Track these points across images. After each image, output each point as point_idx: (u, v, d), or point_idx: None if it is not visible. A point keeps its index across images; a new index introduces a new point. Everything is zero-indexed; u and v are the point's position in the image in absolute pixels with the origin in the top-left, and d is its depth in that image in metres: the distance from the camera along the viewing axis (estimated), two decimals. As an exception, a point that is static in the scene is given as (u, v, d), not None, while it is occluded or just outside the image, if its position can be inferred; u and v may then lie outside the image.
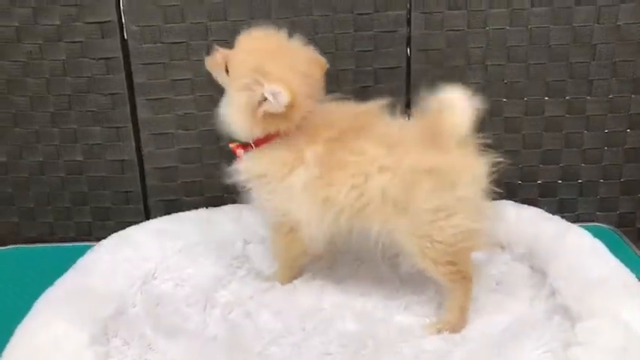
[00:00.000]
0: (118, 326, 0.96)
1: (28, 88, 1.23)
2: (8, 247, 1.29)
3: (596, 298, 0.89)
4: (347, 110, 0.98)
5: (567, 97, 1.23)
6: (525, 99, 1.24)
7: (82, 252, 1.11)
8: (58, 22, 1.19)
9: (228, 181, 1.01)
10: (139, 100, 1.24)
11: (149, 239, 1.13)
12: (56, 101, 1.24)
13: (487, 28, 1.20)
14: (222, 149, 1.27)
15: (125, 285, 1.03)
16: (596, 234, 1.09)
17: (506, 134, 1.26)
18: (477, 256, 1.08)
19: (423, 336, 0.94)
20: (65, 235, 1.33)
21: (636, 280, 0.94)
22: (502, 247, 1.13)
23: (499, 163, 0.97)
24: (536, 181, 1.29)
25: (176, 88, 1.23)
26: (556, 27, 1.19)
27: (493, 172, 0.97)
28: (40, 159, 1.28)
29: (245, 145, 0.98)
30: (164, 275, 1.09)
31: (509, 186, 1.28)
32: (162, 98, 1.24)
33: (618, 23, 1.18)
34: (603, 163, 1.27)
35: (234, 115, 0.96)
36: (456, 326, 0.95)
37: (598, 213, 1.30)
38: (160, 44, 1.21)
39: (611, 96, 1.23)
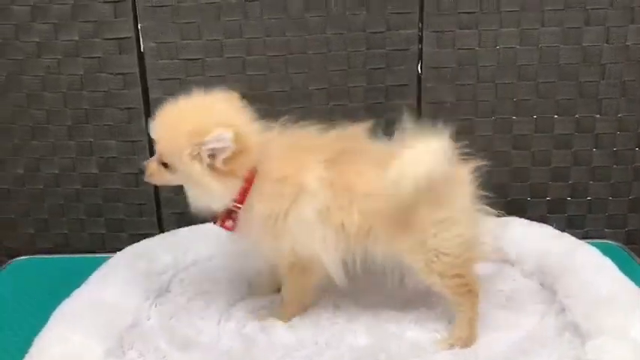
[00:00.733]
0: (133, 339, 0.97)
1: (46, 102, 1.26)
2: (23, 257, 1.31)
3: (605, 315, 0.90)
4: (331, 135, 0.97)
5: (577, 116, 1.25)
6: (535, 117, 1.26)
7: (95, 263, 1.12)
8: (76, 38, 1.22)
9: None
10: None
11: (163, 252, 1.15)
12: (73, 115, 1.27)
13: (498, 47, 1.22)
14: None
15: (140, 298, 1.05)
16: (605, 251, 1.10)
17: (516, 151, 1.28)
18: (486, 271, 1.10)
19: (434, 351, 0.95)
20: (79, 246, 1.35)
21: (645, 297, 0.95)
22: (512, 264, 1.14)
23: (488, 171, 0.99)
24: (545, 198, 1.30)
25: (191, 104, 1.25)
26: (566, 46, 1.21)
27: (488, 182, 1.00)
28: (56, 171, 1.30)
29: (228, 213, 0.94)
30: (178, 288, 1.10)
31: (519, 202, 1.30)
32: (177, 113, 1.26)
33: (627, 43, 1.20)
34: (612, 181, 1.28)
35: (203, 191, 0.91)
36: (467, 341, 0.97)
37: (606, 230, 1.31)
38: (176, 60, 1.23)
39: (620, 115, 1.24)
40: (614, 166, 1.27)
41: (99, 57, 1.23)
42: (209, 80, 1.24)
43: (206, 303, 1.07)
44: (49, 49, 1.22)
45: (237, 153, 0.89)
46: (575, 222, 1.30)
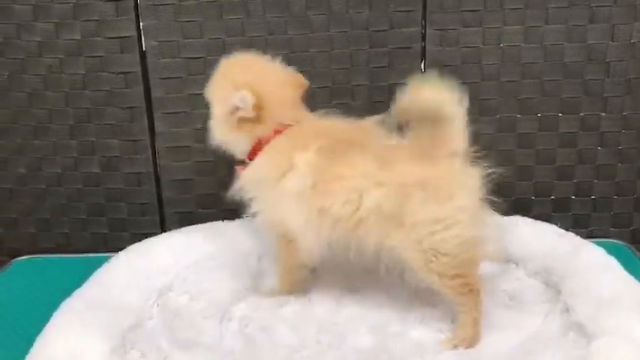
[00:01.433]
0: (135, 339, 0.97)
1: (48, 101, 1.25)
2: (25, 257, 1.31)
3: (610, 315, 0.89)
4: (340, 124, 1.01)
5: (581, 114, 1.24)
6: (539, 115, 1.25)
7: (97, 263, 1.12)
8: (78, 37, 1.21)
9: (235, 197, 1.04)
10: (157, 114, 1.26)
11: (165, 252, 1.14)
12: (75, 114, 1.26)
13: (501, 45, 1.21)
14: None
15: (142, 298, 1.05)
16: (610, 250, 1.09)
17: (520, 149, 1.27)
18: (489, 271, 1.09)
19: (438, 351, 0.94)
20: (81, 246, 1.34)
21: (650, 297, 0.94)
22: (515, 263, 1.14)
23: (493, 172, 0.99)
24: (549, 197, 1.29)
25: (193, 103, 1.25)
26: (570, 44, 1.20)
27: (493, 182, 0.98)
28: (58, 171, 1.30)
29: (243, 162, 1.04)
30: (180, 288, 1.10)
31: (523, 201, 1.29)
32: (179, 112, 1.26)
33: (632, 41, 1.19)
34: (617, 179, 1.27)
35: (217, 130, 1.03)
36: (471, 341, 0.96)
37: (611, 229, 1.30)
38: (178, 59, 1.22)
39: (625, 113, 1.23)
40: (619, 164, 1.26)
41: (101, 56, 1.23)
42: (211, 79, 1.24)
43: (208, 302, 1.06)
44: (51, 48, 1.22)
45: (254, 119, 0.98)
46: (579, 221, 1.30)
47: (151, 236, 1.21)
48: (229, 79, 1.00)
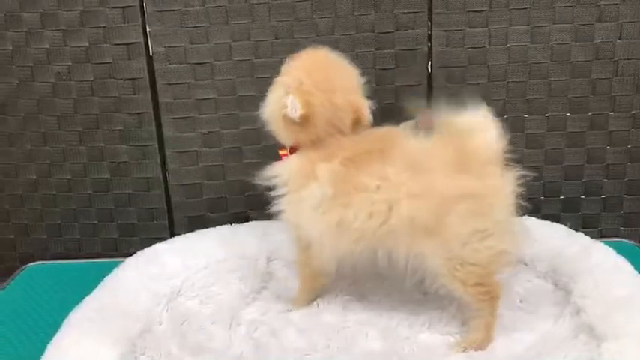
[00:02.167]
0: (145, 344, 0.97)
1: (57, 108, 1.26)
2: (36, 262, 1.32)
3: (621, 317, 0.89)
4: (367, 133, 0.99)
5: (589, 113, 1.23)
6: (547, 115, 1.24)
7: (108, 268, 1.13)
8: (86, 44, 1.22)
9: (263, 183, 1.03)
10: (165, 119, 1.27)
11: (174, 256, 1.15)
12: (84, 120, 1.27)
13: (508, 45, 1.20)
14: (245, 166, 1.29)
15: (151, 302, 1.05)
16: (620, 250, 1.08)
17: (528, 150, 1.26)
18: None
19: (447, 354, 0.94)
20: (92, 250, 1.36)
21: (662, 298, 0.93)
22: (525, 264, 1.13)
23: (523, 177, 0.98)
24: (559, 197, 1.29)
25: (200, 107, 1.26)
26: (577, 43, 1.20)
27: (518, 188, 0.97)
28: (68, 177, 1.31)
29: (284, 155, 1.03)
30: (189, 292, 1.10)
31: (532, 202, 1.28)
32: (187, 117, 1.26)
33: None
34: (626, 179, 1.27)
35: (268, 109, 1.02)
36: (482, 344, 0.95)
37: (621, 228, 1.29)
38: (185, 64, 1.23)
39: (633, 112, 1.23)
40: (629, 163, 1.26)
41: (108, 63, 1.24)
42: (218, 83, 1.24)
43: (217, 307, 1.06)
44: (59, 55, 1.23)
45: (298, 125, 0.96)
46: (589, 221, 1.29)
47: (160, 240, 1.22)
48: (298, 76, 0.97)
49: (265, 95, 1.02)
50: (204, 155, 1.29)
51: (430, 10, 1.20)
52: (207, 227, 1.26)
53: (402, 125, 1.00)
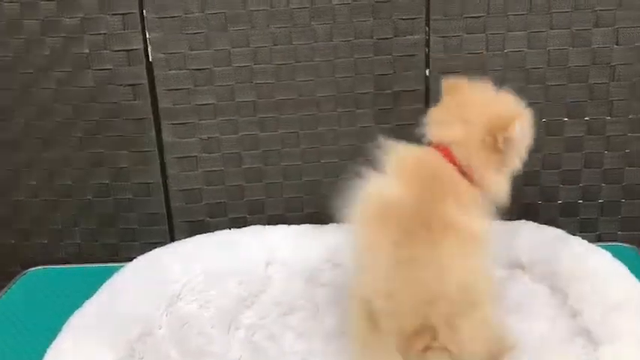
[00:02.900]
0: (145, 348, 0.98)
1: (57, 114, 1.27)
2: (37, 267, 1.33)
3: (618, 320, 0.89)
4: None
5: (587, 118, 1.24)
6: (545, 120, 1.25)
7: (108, 272, 1.13)
8: (86, 50, 1.23)
9: None
10: (164, 125, 1.28)
11: (174, 261, 1.15)
12: (84, 127, 1.28)
13: (505, 50, 1.21)
14: (245, 171, 1.30)
15: (151, 307, 1.06)
16: (618, 254, 1.08)
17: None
18: (496, 276, 1.09)
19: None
20: (92, 255, 1.36)
21: (658, 302, 0.93)
22: (522, 268, 1.14)
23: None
24: (556, 202, 1.29)
25: (200, 113, 1.26)
26: (575, 49, 1.20)
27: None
28: (69, 182, 1.32)
29: None
30: (189, 297, 1.11)
31: (530, 206, 1.29)
32: (186, 123, 1.27)
33: (637, 44, 1.19)
34: (624, 183, 1.27)
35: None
36: None
37: (619, 232, 1.30)
38: (184, 70, 1.24)
39: (631, 116, 1.23)
40: (627, 167, 1.26)
41: (109, 69, 1.25)
42: (217, 89, 1.25)
43: (216, 311, 1.07)
44: (60, 62, 1.24)
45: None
46: (587, 225, 1.29)
47: (160, 245, 1.22)
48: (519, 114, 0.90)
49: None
50: (203, 161, 1.30)
51: (428, 16, 1.20)
52: (207, 232, 1.27)
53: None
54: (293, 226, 1.24)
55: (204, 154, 1.29)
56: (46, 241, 1.36)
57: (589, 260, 1.05)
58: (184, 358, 0.97)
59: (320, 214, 1.24)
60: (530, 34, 1.20)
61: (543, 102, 1.24)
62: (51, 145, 1.29)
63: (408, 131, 0.98)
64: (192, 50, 1.23)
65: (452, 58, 1.22)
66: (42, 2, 1.20)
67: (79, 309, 1.02)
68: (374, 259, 0.80)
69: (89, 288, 1.09)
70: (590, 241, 1.14)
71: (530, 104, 1.24)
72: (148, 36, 1.22)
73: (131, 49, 1.23)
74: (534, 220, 1.23)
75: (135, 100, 1.26)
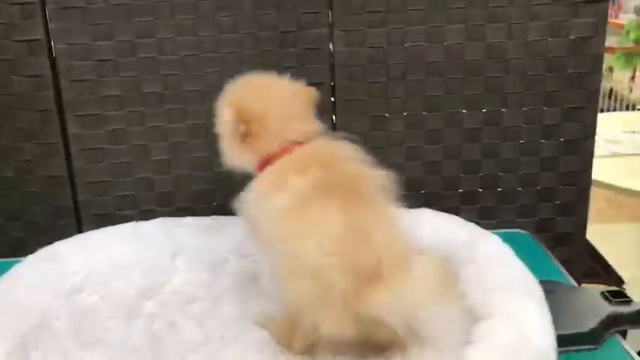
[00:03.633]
0: (40, 338, 0.97)
1: (-44, 105, 1.24)
2: (-60, 264, 1.29)
3: (496, 300, 0.94)
4: (347, 162, 0.93)
5: (484, 110, 1.30)
6: (444, 112, 1.30)
7: (11, 266, 1.11)
8: (-15, 41, 1.21)
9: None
10: (69, 117, 1.26)
11: (77, 253, 1.14)
12: (-14, 118, 1.26)
13: (406, 45, 1.25)
14: (153, 163, 1.30)
15: (50, 298, 1.05)
16: (513, 239, 1.13)
17: (428, 146, 1.31)
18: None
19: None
20: (-2, 250, 1.34)
21: (536, 282, 0.99)
22: (420, 253, 1.17)
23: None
24: (457, 190, 1.34)
25: (105, 104, 1.26)
26: (471, 43, 1.26)
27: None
28: (-29, 176, 1.29)
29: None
30: (91, 288, 1.10)
31: (433, 195, 1.34)
32: (92, 114, 1.26)
33: (528, 40, 1.25)
34: (520, 172, 1.33)
35: (225, 151, 1.00)
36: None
37: (517, 220, 1.36)
38: (88, 61, 1.23)
39: (524, 108, 1.29)
40: (522, 157, 1.32)
41: (10, 59, 1.22)
42: (123, 80, 1.25)
43: (117, 302, 1.07)
44: (-43, 52, 1.21)
45: (254, 136, 0.95)
46: (486, 213, 1.35)
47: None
48: (224, 101, 0.99)
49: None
50: (110, 152, 1.29)
51: (330, 10, 1.23)
52: (115, 225, 1.26)
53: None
54: (200, 218, 1.25)
55: (110, 146, 1.28)
56: (-53, 237, 1.33)
57: (479, 244, 1.10)
58: (81, 349, 0.97)
59: (230, 206, 1.25)
60: (428, 28, 1.25)
61: (443, 94, 1.28)
62: (-50, 137, 1.26)
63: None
64: (95, 41, 1.22)
65: (354, 52, 1.25)
66: (-63, -10, 1.17)
67: (-28, 302, 1.00)
68: (321, 227, 0.87)
69: (-8, 283, 1.07)
70: (490, 228, 1.20)
71: (431, 97, 1.30)
72: (49, 26, 1.21)
73: (33, 40, 1.21)
74: (438, 209, 1.28)
75: (38, 91, 1.24)
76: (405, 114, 1.29)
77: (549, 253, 1.26)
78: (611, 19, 3.09)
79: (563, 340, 0.90)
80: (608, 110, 3.74)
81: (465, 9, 1.24)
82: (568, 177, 1.34)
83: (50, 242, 1.20)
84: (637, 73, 3.80)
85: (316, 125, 0.98)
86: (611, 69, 3.73)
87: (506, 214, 1.36)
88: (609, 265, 2.27)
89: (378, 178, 0.92)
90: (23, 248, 1.32)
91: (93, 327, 1.02)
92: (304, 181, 0.90)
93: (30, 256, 1.14)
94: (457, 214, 1.26)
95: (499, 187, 1.35)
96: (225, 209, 1.28)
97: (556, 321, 0.92)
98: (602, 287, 1.07)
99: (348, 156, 0.94)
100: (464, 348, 0.85)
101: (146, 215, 1.30)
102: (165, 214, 1.30)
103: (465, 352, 0.84)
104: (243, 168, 0.99)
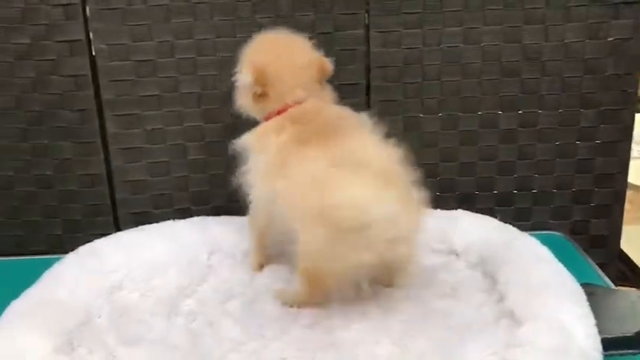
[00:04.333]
0: (82, 336, 0.98)
1: (-2, 104, 1.27)
2: (-21, 260, 1.32)
3: (538, 302, 0.94)
4: (329, 112, 1.05)
5: (520, 111, 1.29)
6: (480, 113, 1.29)
7: (50, 264, 1.13)
8: (28, 41, 1.23)
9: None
10: (108, 116, 1.28)
11: (116, 251, 1.16)
12: (27, 117, 1.27)
13: (441, 46, 1.25)
14: (190, 163, 1.32)
15: (91, 296, 1.06)
16: (549, 241, 1.13)
17: (462, 147, 1.31)
18: (431, 262, 1.14)
19: (376, 342, 0.98)
20: (36, 248, 1.36)
21: (577, 285, 0.98)
22: (457, 255, 1.18)
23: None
24: (492, 192, 1.34)
25: (143, 104, 1.27)
26: (508, 45, 1.25)
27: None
28: (10, 173, 1.31)
29: None
30: (131, 286, 1.12)
31: (467, 196, 1.33)
32: (130, 114, 1.28)
33: (565, 41, 1.25)
34: (555, 174, 1.32)
35: (238, 99, 1.10)
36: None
37: (551, 221, 1.35)
38: (127, 62, 1.25)
39: (560, 110, 1.29)
40: (557, 159, 1.32)
41: (51, 59, 1.24)
42: (161, 81, 1.26)
43: (156, 299, 1.08)
44: (1, 52, 1.23)
45: (265, 95, 1.05)
46: (521, 214, 1.35)
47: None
48: (247, 57, 1.07)
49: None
50: (148, 152, 1.30)
51: (368, 12, 1.24)
52: (152, 223, 1.28)
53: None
54: (236, 217, 1.26)
55: (148, 145, 1.30)
56: (-13, 233, 1.35)
57: (516, 246, 1.10)
58: (122, 345, 0.98)
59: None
60: (464, 30, 1.24)
61: (478, 96, 1.28)
62: (-8, 136, 1.29)
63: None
64: (134, 42, 1.24)
65: (390, 52, 1.26)
66: (-20, -7, 1.20)
67: (17, 299, 1.02)
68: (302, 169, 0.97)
69: (31, 280, 1.08)
70: (525, 229, 1.19)
71: (466, 98, 1.30)
72: (90, 27, 1.23)
73: (73, 40, 1.23)
74: (472, 210, 1.27)
75: (77, 90, 1.26)
76: (440, 115, 1.29)
77: (585, 255, 1.25)
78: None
79: (607, 344, 0.89)
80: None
81: (502, 10, 1.23)
82: (603, 179, 1.33)
83: (88, 240, 1.22)
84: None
85: (322, 93, 1.07)
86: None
87: (541, 215, 1.35)
88: (638, 267, 2.24)
89: (357, 117, 1.03)
90: (61, 246, 1.35)
91: (134, 324, 1.03)
92: (282, 138, 1.01)
93: (71, 254, 1.15)
94: (491, 215, 1.26)
95: (534, 189, 1.34)
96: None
97: (598, 324, 0.91)
98: (636, 290, 1.06)
99: (332, 112, 1.04)
100: (510, 350, 0.85)
101: (182, 214, 1.31)
102: (201, 213, 1.31)
103: (510, 354, 0.84)
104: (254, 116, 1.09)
